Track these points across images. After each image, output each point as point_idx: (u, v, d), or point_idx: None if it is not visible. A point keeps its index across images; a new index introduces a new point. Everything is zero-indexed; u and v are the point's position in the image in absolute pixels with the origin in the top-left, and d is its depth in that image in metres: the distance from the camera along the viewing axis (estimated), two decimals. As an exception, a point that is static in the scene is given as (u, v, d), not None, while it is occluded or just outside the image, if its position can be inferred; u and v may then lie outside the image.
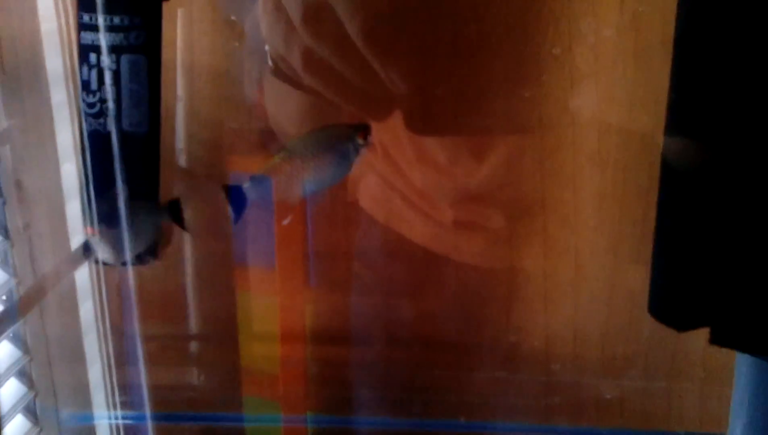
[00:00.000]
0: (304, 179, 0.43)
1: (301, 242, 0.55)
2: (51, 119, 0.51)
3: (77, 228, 0.52)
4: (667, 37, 0.43)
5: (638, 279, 0.51)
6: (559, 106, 0.49)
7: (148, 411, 0.55)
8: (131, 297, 0.52)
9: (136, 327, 0.53)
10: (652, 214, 0.48)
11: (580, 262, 0.53)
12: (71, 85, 0.49)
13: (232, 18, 0.51)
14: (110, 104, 0.43)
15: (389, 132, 0.50)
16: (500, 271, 0.55)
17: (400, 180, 0.53)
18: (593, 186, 0.51)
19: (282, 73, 0.45)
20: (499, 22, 0.47)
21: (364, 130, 0.45)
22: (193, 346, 0.60)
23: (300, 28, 0.43)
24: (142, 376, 0.53)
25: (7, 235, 0.52)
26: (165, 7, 0.44)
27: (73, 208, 0.52)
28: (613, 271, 0.53)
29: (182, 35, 0.51)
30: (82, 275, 0.54)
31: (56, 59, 0.49)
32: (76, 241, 0.52)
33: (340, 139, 0.44)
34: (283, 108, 0.50)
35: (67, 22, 0.45)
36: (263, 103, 0.50)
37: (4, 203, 0.51)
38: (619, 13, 0.46)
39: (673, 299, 0.38)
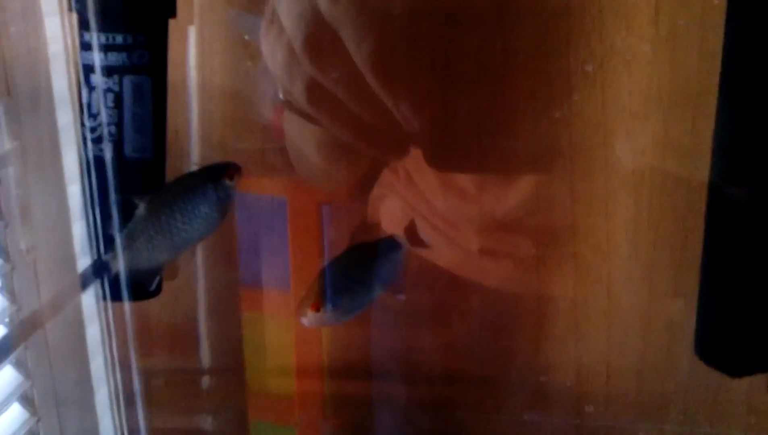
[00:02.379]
0: (166, 243, 0.40)
1: (317, 262, 0.52)
2: (57, 141, 0.49)
3: (83, 251, 0.50)
4: (705, 51, 0.40)
5: (676, 311, 0.48)
6: (591, 127, 0.45)
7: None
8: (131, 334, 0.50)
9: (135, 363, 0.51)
10: (692, 240, 0.45)
11: (613, 292, 0.49)
12: (77, 107, 0.47)
13: (246, 38, 0.49)
14: (112, 129, 0.40)
15: (411, 156, 0.47)
16: (528, 300, 0.51)
17: (422, 204, 0.50)
18: (627, 211, 0.47)
19: (292, 105, 0.42)
20: (527, 38, 0.44)
21: (231, 170, 0.41)
22: (202, 380, 0.57)
23: (301, 56, 0.39)
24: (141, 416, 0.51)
25: (8, 259, 0.50)
26: (173, 24, 0.42)
27: (80, 231, 0.51)
28: (649, 302, 0.49)
29: (193, 55, 0.49)
30: (89, 300, 0.52)
31: (62, 81, 0.48)
32: (82, 263, 0.51)
33: (201, 187, 0.41)
34: (300, 141, 0.46)
35: (74, 44, 0.43)
36: (277, 124, 0.47)
37: (6, 226, 0.50)
38: (654, 27, 0.43)
39: (726, 342, 0.34)
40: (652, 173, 0.46)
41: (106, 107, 0.40)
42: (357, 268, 0.46)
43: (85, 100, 0.41)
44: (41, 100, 0.50)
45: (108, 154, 0.40)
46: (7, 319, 0.51)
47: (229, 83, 0.49)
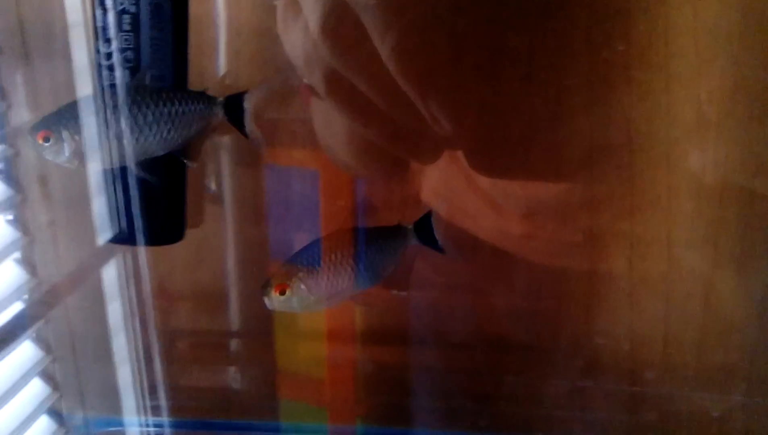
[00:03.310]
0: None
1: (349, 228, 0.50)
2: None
3: (104, 224, 0.48)
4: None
5: (742, 275, 0.45)
6: (653, 69, 0.41)
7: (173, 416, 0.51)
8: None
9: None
10: (761, 198, 0.42)
11: (674, 254, 0.45)
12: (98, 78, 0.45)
13: (274, 3, 0.45)
14: (129, 54, 0.37)
15: None
16: (578, 266, 0.48)
17: (465, 180, 0.46)
18: (690, 163, 0.43)
19: (318, 93, 0.37)
20: (582, 15, 0.39)
21: None
22: (228, 343, 0.54)
23: (319, 42, 0.34)
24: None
25: (27, 232, 0.49)
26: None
27: (100, 204, 0.49)
28: (713, 266, 0.45)
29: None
30: (110, 272, 0.50)
31: (82, 51, 0.45)
32: (102, 237, 0.49)
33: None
34: (327, 131, 0.42)
35: (94, 15, 0.40)
36: (307, 93, 0.44)
37: (25, 199, 0.49)
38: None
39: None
40: (719, 119, 0.42)
41: (122, 30, 0.37)
42: (337, 254, 0.42)
43: (99, 24, 0.38)
44: (60, 70, 0.48)
45: (123, 81, 0.38)
46: (26, 295, 0.50)
47: (259, 20, 0.46)
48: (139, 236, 0.41)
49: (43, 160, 0.47)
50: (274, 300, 0.40)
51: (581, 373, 0.49)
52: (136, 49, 0.38)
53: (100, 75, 0.39)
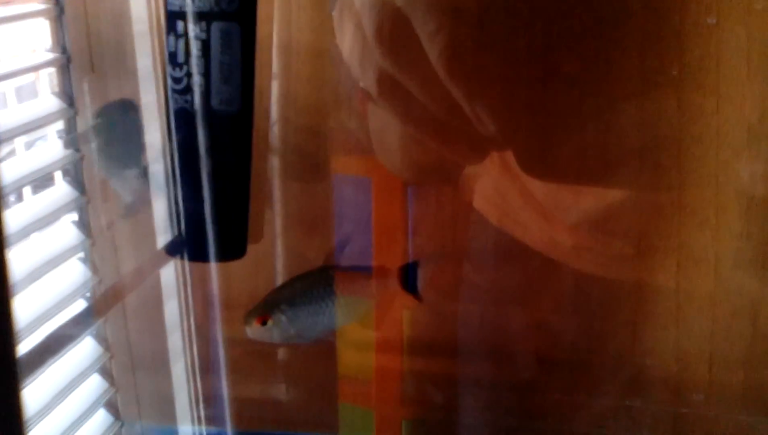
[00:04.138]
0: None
1: (401, 244, 0.51)
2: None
3: (163, 226, 0.50)
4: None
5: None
6: (702, 90, 0.42)
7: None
8: (215, 298, 0.49)
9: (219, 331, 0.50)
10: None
11: (721, 273, 0.46)
12: (161, 86, 0.46)
13: (333, 14, 0.47)
14: (199, 79, 0.39)
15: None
16: (627, 279, 0.48)
17: (516, 188, 0.46)
18: (739, 183, 0.43)
19: (372, 96, 0.39)
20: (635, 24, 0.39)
21: None
22: (282, 352, 0.56)
23: (372, 45, 0.35)
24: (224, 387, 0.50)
25: (89, 233, 0.51)
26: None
27: (160, 207, 0.51)
28: (761, 286, 0.45)
29: (279, 9, 0.47)
30: (168, 274, 0.52)
31: (147, 59, 0.47)
32: (161, 239, 0.51)
33: None
34: (383, 133, 0.43)
35: (158, 24, 0.42)
36: (362, 102, 0.45)
37: (88, 202, 0.51)
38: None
39: None
40: (769, 143, 0.42)
41: (193, 56, 0.39)
42: (321, 289, 0.43)
43: (170, 49, 0.39)
44: (125, 76, 0.50)
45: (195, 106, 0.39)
46: (88, 293, 0.52)
47: (316, 42, 0.47)
48: (203, 252, 0.43)
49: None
50: (254, 330, 0.41)
51: (627, 392, 0.49)
52: (206, 75, 0.39)
53: (171, 99, 0.41)
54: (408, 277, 0.45)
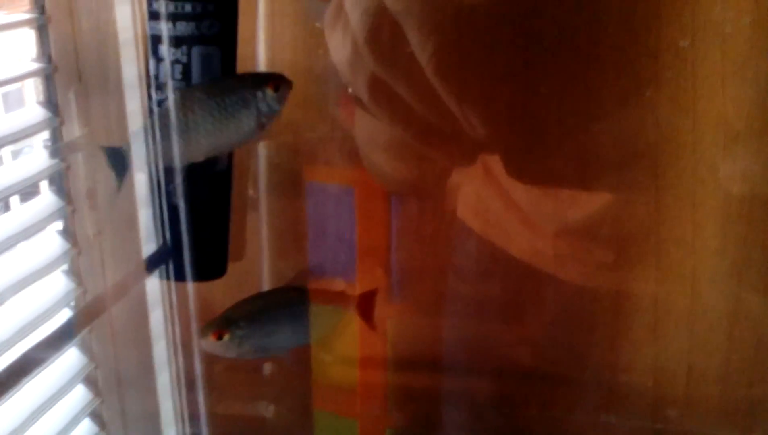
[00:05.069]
0: (192, 140, 0.38)
1: (384, 253, 0.51)
2: (125, 128, 0.49)
3: (149, 236, 0.50)
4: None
5: (766, 310, 0.45)
6: (679, 110, 0.42)
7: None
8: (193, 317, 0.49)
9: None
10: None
11: (698, 289, 0.46)
12: (146, 95, 0.47)
13: (317, 25, 0.47)
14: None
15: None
16: (606, 295, 0.49)
17: (500, 197, 0.47)
18: (716, 202, 0.44)
19: (361, 101, 0.39)
20: (613, 13, 0.40)
21: (278, 81, 0.38)
22: (268, 368, 0.56)
23: (364, 50, 0.36)
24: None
25: (75, 243, 0.51)
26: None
27: (145, 217, 0.51)
28: (737, 301, 0.46)
29: (262, 29, 0.48)
30: (153, 284, 0.52)
31: (132, 68, 0.48)
32: (147, 249, 0.51)
33: (243, 90, 0.37)
34: (370, 138, 0.44)
35: (144, 32, 0.43)
36: (346, 112, 0.46)
37: (74, 211, 0.51)
38: (753, 1, 0.39)
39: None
40: (744, 161, 0.42)
41: (174, 79, 0.39)
42: (279, 309, 0.43)
43: (152, 72, 0.40)
44: (110, 86, 0.50)
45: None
46: (73, 302, 0.52)
47: (299, 60, 0.48)
48: (183, 271, 0.43)
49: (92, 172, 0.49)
50: (210, 343, 0.42)
51: (605, 407, 0.50)
52: None
53: (152, 120, 0.41)
54: (365, 305, 0.46)
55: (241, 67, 0.42)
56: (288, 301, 0.44)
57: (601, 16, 0.40)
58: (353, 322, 0.50)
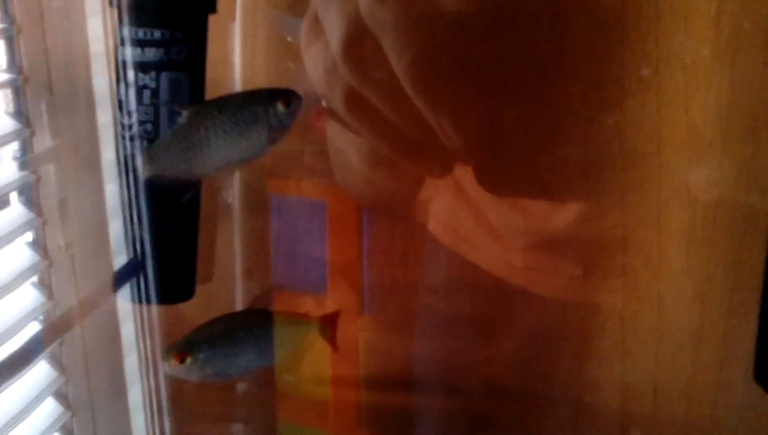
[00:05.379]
0: (204, 155, 0.38)
1: (355, 267, 0.51)
2: (96, 139, 0.49)
3: (120, 249, 0.50)
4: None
5: (730, 330, 0.46)
6: (644, 135, 0.43)
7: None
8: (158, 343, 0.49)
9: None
10: (750, 256, 0.43)
11: (664, 309, 0.47)
12: (116, 105, 0.47)
13: (289, 39, 0.47)
14: (148, 126, 0.39)
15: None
16: (573, 314, 0.49)
17: (470, 211, 0.47)
18: (680, 223, 0.45)
19: (334, 112, 0.39)
20: (579, 41, 0.41)
21: (289, 96, 0.38)
22: (234, 386, 0.56)
23: (340, 62, 0.36)
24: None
25: (45, 255, 0.51)
26: (215, 22, 0.41)
27: (117, 229, 0.51)
28: (702, 321, 0.46)
29: (236, 52, 0.48)
30: (124, 298, 0.52)
31: (103, 79, 0.48)
32: (118, 261, 0.51)
33: (253, 106, 0.38)
34: (343, 150, 0.43)
35: (115, 43, 0.43)
36: (318, 126, 0.46)
37: (44, 223, 0.50)
38: (714, 31, 0.40)
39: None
40: (707, 185, 0.43)
41: (142, 104, 0.39)
42: (241, 332, 0.44)
43: (121, 97, 0.40)
44: (81, 98, 0.50)
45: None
46: (42, 316, 0.51)
47: (273, 82, 0.48)
48: (149, 294, 0.43)
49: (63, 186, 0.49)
50: (172, 367, 0.42)
51: (573, 426, 0.50)
52: (155, 122, 0.40)
53: (120, 145, 0.41)
54: (328, 328, 0.46)
55: (216, 91, 0.42)
56: (250, 323, 0.45)
57: (567, 42, 0.40)
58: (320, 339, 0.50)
